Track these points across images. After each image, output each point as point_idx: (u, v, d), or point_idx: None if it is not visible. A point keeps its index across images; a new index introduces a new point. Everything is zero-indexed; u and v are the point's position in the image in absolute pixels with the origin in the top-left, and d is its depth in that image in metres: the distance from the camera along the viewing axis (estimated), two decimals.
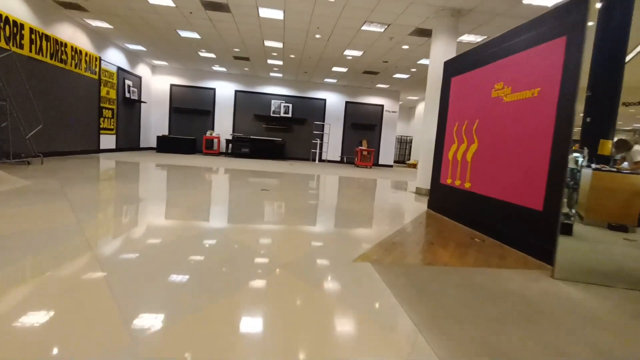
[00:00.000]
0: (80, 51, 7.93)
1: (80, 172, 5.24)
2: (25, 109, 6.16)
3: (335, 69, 10.64)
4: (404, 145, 17.80)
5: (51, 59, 6.94)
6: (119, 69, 9.91)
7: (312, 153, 13.44)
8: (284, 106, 13.07)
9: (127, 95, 10.43)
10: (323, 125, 13.43)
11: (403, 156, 17.77)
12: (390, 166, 13.98)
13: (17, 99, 5.98)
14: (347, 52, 8.72)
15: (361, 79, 11.78)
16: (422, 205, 4.79)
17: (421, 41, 7.38)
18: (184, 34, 8.14)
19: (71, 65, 7.62)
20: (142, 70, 11.47)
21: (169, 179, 5.50)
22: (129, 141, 10.86)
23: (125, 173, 5.68)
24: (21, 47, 6.12)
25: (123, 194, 3.87)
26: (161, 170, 6.67)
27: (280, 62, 10.41)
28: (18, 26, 6.02)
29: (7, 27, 5.78)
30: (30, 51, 6.34)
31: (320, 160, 13.52)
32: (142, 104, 11.67)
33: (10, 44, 5.84)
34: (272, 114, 13.04)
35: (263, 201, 4.12)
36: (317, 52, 8.93)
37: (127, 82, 10.47)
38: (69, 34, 7.53)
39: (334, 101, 13.42)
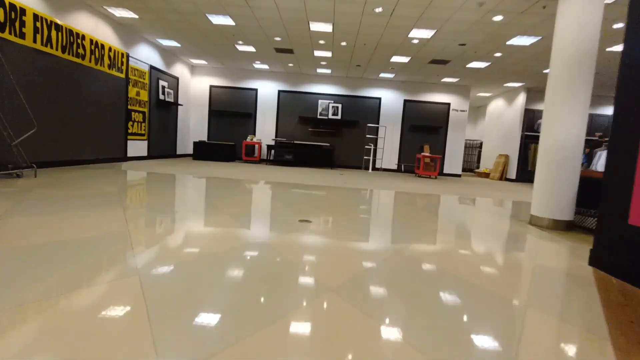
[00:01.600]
0: (103, 45, 6.97)
1: (72, 189, 3.99)
2: (25, 110, 5.15)
3: (395, 58, 8.81)
4: (470, 151, 15.32)
5: (64, 52, 5.97)
6: (152, 67, 8.96)
7: (364, 160, 11.66)
8: (333, 107, 11.46)
9: (161, 97, 9.48)
10: (377, 128, 11.60)
11: (470, 163, 15.29)
12: (458, 176, 11.72)
13: (13, 97, 4.97)
14: (413, 33, 6.86)
15: (425, 71, 9.80)
16: (564, 254, 2.82)
17: (525, 5, 5.32)
18: (216, 19, 6.85)
19: (90, 61, 6.65)
20: (179, 70, 10.54)
21: (183, 197, 4.07)
22: (163, 148, 9.91)
23: (128, 189, 4.37)
24: (22, 36, 5.14)
25: (96, 238, 2.44)
26: (180, 185, 5.33)
27: (328, 54, 8.82)
28: (17, 11, 5.03)
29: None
30: (35, 42, 5.36)
31: (374, 168, 11.69)
32: (179, 107, 10.73)
33: (6, 31, 4.85)
34: (319, 116, 11.50)
35: (296, 250, 2.46)
36: (375, 37, 7.18)
37: (162, 82, 9.53)
38: (89, 25, 6.57)
39: (391, 100, 11.54)
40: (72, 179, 4.74)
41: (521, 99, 11.11)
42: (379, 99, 11.52)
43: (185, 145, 11.32)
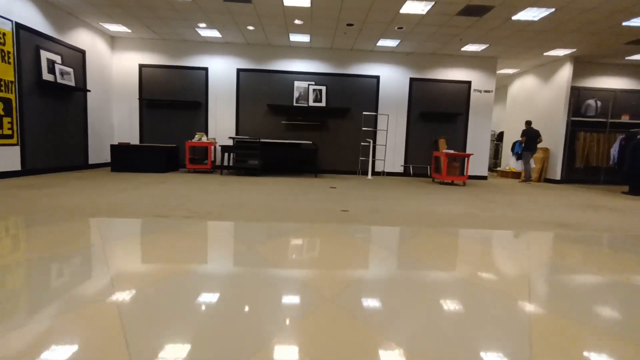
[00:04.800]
0: None
1: None
2: None
3: (407, 6, 5.74)
4: None
5: None
6: (21, 27, 5.55)
7: (360, 162, 8.57)
8: (315, 90, 8.31)
9: (46, 77, 6.07)
10: (376, 117, 8.54)
11: None
12: (484, 178, 8.82)
13: None
14: None
15: (444, 33, 6.78)
16: None
17: None
18: None
19: None
20: (86, 39, 7.12)
21: None
22: (58, 156, 6.50)
23: None
24: None
25: None
26: None
27: (306, 2, 5.66)
28: None
29: None
30: None
31: (375, 173, 8.62)
32: (89, 95, 7.32)
33: None
34: (295, 104, 8.32)
35: None
36: None
37: (48, 54, 6.11)
38: None
39: (393, 79, 8.49)
40: None
41: (566, 72, 8.28)
42: (377, 77, 8.45)
43: (102, 150, 7.89)
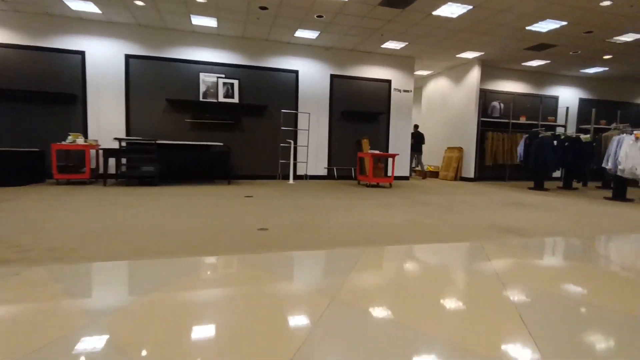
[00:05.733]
0: None
1: None
2: None
3: None
4: None
5: None
6: None
7: (281, 165, 7.73)
8: (226, 84, 7.22)
9: None
10: (296, 115, 7.79)
11: None
12: (407, 178, 8.73)
13: None
14: None
15: (365, 27, 6.36)
16: None
17: None
18: None
19: None
20: None
21: None
22: None
23: None
24: None
25: None
26: None
27: None
28: None
29: None
30: None
31: (297, 177, 7.85)
32: None
33: None
34: (202, 99, 7.12)
35: None
36: None
37: None
38: None
39: (313, 74, 7.85)
40: None
41: (475, 75, 8.64)
42: (296, 72, 7.72)
43: None
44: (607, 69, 8.93)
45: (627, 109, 10.34)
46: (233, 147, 7.39)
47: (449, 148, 9.46)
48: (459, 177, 9.02)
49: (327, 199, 4.87)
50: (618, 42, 6.95)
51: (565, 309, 1.56)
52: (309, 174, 7.92)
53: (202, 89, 7.10)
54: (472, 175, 8.78)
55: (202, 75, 7.09)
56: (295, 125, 7.76)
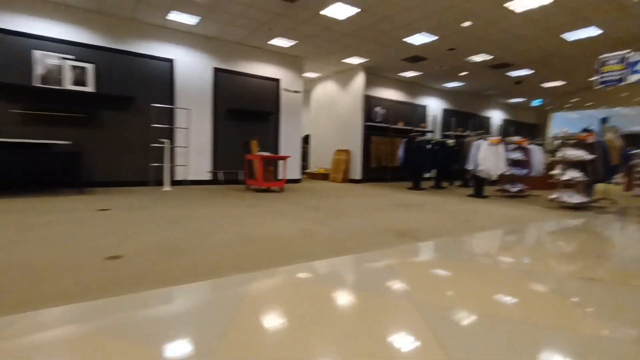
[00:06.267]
0: None
1: None
2: None
3: None
4: None
5: None
6: None
7: (153, 169, 6.54)
8: (76, 68, 5.73)
9: None
10: (172, 111, 6.74)
11: None
12: (298, 181, 8.51)
13: None
14: None
15: (253, 17, 5.83)
16: None
17: None
18: None
19: None
20: None
21: None
22: None
23: None
24: None
25: None
26: None
27: None
28: None
29: None
30: None
31: (175, 182, 6.77)
32: None
33: None
34: (40, 84, 5.48)
35: None
36: None
37: None
38: None
39: (193, 66, 6.92)
40: None
41: (360, 81, 8.98)
42: (171, 61, 6.68)
43: None
44: (463, 84, 10.42)
45: (476, 120, 12.31)
46: (87, 146, 5.92)
47: (337, 151, 9.64)
48: (347, 179, 9.25)
49: (209, 208, 4.16)
50: (472, 61, 8.06)
51: (482, 325, 1.35)
52: (190, 179, 6.94)
53: (38, 71, 5.46)
54: (359, 176, 9.10)
55: (36, 54, 5.45)
56: (172, 123, 6.70)
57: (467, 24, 6.01)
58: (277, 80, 8.01)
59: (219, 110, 7.24)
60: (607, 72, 6.26)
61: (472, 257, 2.54)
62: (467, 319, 1.48)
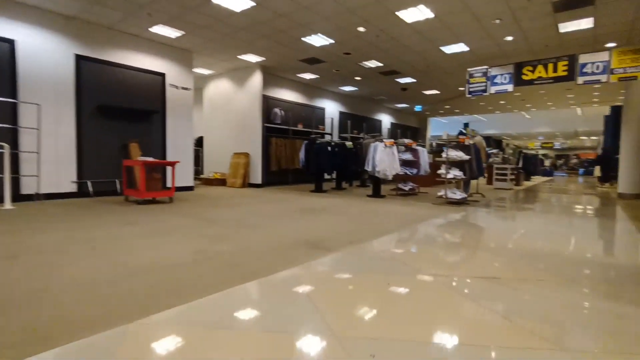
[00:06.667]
0: None
1: None
2: None
3: None
4: None
5: None
6: None
7: None
8: None
9: None
10: (15, 106, 5.22)
11: None
12: (191, 188, 7.62)
13: None
14: None
15: (125, 0, 4.88)
16: None
17: None
18: None
19: None
20: None
21: None
22: None
23: None
24: None
25: None
26: None
27: None
28: None
29: None
30: None
31: (21, 197, 5.24)
32: None
33: None
34: None
35: None
36: None
37: None
38: None
39: (45, 51, 5.49)
40: None
41: (258, 80, 8.54)
42: (10, 42, 5.17)
43: None
44: (357, 88, 10.89)
45: (369, 122, 13.07)
46: None
47: (235, 154, 9.00)
48: (247, 184, 8.70)
49: (68, 231, 3.23)
50: (365, 66, 8.41)
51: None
52: (43, 192, 5.49)
53: None
54: (259, 181, 8.65)
55: None
56: (14, 122, 5.20)
57: (361, 29, 6.15)
58: (162, 75, 7.01)
59: (85, 106, 5.93)
60: (474, 83, 7.19)
61: (388, 268, 2.40)
62: (404, 354, 1.23)
